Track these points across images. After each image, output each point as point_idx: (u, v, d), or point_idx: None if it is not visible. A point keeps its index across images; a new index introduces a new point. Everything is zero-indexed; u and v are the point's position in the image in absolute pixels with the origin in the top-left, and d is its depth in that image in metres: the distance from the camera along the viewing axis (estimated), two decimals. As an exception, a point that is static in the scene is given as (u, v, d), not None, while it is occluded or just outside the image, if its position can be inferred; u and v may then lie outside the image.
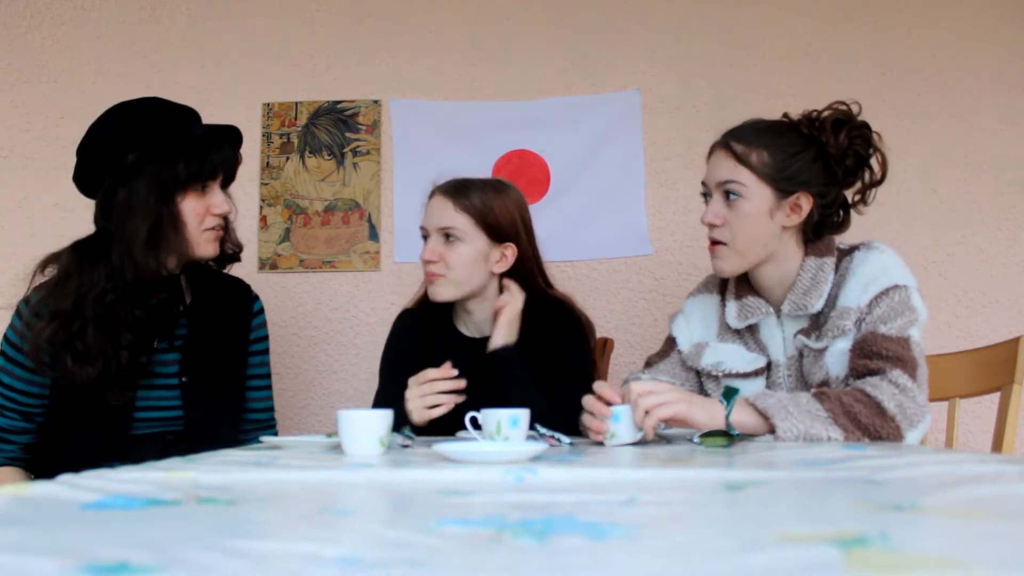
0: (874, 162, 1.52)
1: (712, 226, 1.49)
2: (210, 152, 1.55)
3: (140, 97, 1.60)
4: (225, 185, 1.62)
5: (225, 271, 1.74)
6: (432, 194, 1.73)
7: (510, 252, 1.70)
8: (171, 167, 1.51)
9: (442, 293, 1.67)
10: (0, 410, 1.55)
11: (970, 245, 2.31)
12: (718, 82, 2.39)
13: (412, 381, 1.55)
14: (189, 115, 1.60)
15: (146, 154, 1.50)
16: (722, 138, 1.52)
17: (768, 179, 1.45)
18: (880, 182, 1.52)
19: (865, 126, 1.49)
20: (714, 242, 1.50)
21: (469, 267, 1.67)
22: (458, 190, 1.69)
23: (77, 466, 1.49)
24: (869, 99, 2.37)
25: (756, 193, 1.46)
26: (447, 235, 1.66)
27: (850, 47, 2.37)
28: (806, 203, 1.47)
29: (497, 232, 1.68)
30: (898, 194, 2.31)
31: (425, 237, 1.71)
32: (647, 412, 1.26)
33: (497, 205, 1.68)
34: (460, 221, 1.66)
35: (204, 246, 1.58)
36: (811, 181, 1.47)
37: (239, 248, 1.70)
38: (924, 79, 2.35)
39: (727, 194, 1.47)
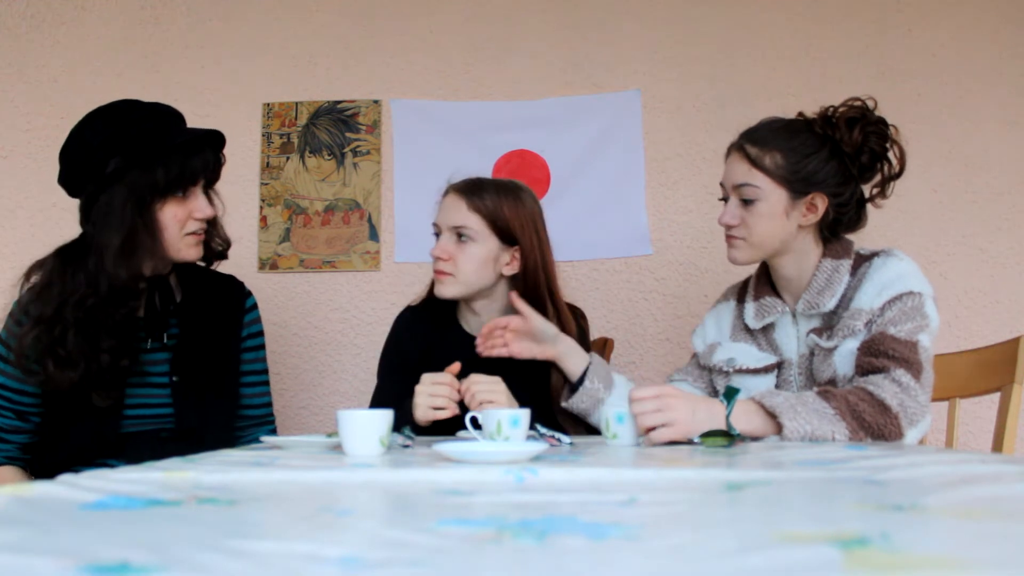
0: (892, 156, 1.52)
1: (729, 226, 1.52)
2: (190, 158, 1.53)
3: (116, 100, 1.60)
4: (209, 186, 1.62)
5: (215, 268, 1.74)
6: (446, 192, 1.72)
7: (520, 255, 1.71)
8: (151, 174, 1.50)
9: (448, 291, 1.68)
10: None
11: (970, 245, 2.31)
12: (718, 82, 2.39)
13: (425, 378, 1.54)
14: (169, 118, 1.58)
15: (126, 161, 1.50)
16: (738, 140, 1.53)
17: (782, 181, 1.47)
18: (898, 175, 1.53)
19: (881, 122, 1.50)
20: (730, 236, 1.54)
21: (478, 268, 1.67)
22: (472, 190, 1.68)
23: (72, 464, 1.50)
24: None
25: (771, 195, 1.48)
26: (459, 234, 1.66)
27: (850, 47, 2.37)
28: (821, 203, 1.49)
29: (508, 234, 1.68)
30: (898, 194, 2.30)
31: (437, 234, 1.71)
32: (646, 431, 1.27)
33: (509, 208, 1.68)
34: (472, 221, 1.65)
35: (186, 251, 1.58)
36: (826, 181, 1.48)
37: (227, 244, 1.70)
38: (924, 79, 2.35)
39: (742, 198, 1.50)
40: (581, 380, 1.59)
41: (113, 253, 1.48)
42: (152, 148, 1.51)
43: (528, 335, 1.60)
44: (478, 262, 1.66)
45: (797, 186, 1.47)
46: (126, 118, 1.54)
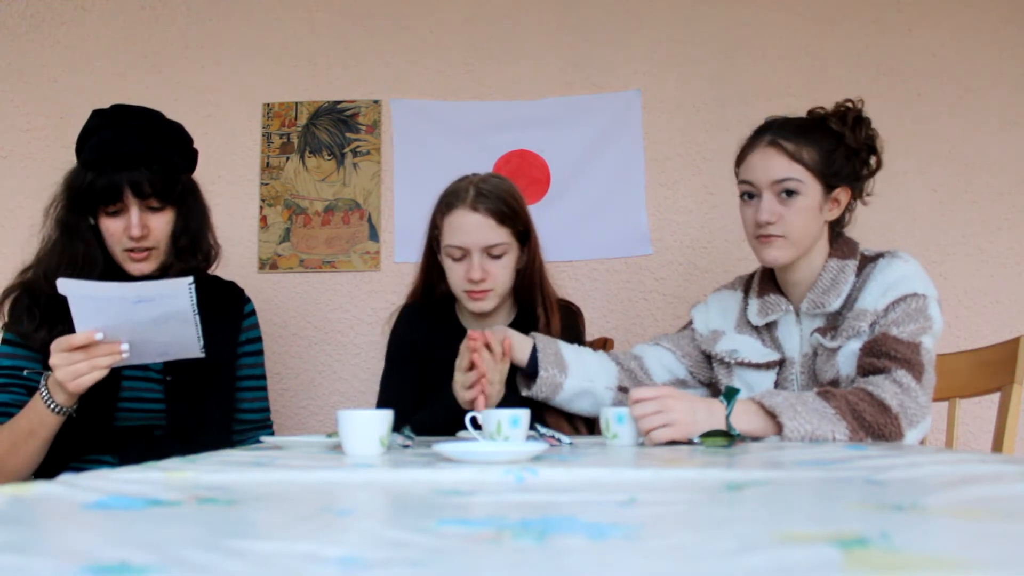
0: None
1: (768, 223, 1.49)
2: (118, 172, 1.51)
3: (114, 104, 1.62)
4: (167, 202, 1.57)
5: (213, 272, 1.74)
6: (454, 207, 1.64)
7: (528, 247, 1.72)
8: (81, 182, 1.53)
9: (490, 306, 1.67)
10: (2, 388, 1.55)
11: (970, 245, 2.31)
12: (718, 82, 2.39)
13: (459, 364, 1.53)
14: (115, 128, 1.55)
15: (75, 168, 1.56)
16: (769, 135, 1.51)
17: (819, 175, 1.48)
18: (875, 172, 1.56)
19: (870, 121, 1.53)
20: (768, 235, 1.50)
21: (510, 276, 1.69)
22: (493, 203, 1.63)
23: (66, 457, 1.50)
24: (869, 99, 2.36)
25: (810, 189, 1.48)
26: (492, 251, 1.64)
27: (850, 47, 2.37)
28: (844, 197, 1.51)
29: (525, 236, 1.70)
30: (898, 194, 2.31)
31: (460, 256, 1.65)
32: (647, 432, 1.27)
33: (522, 210, 1.69)
34: (504, 235, 1.65)
35: (127, 265, 1.58)
36: (849, 175, 1.51)
37: (208, 255, 1.66)
38: (924, 79, 2.35)
39: (784, 191, 1.48)
40: (535, 368, 1.58)
41: (47, 253, 1.57)
42: (86, 157, 1.54)
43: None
44: (510, 271, 1.69)
45: (831, 180, 1.49)
46: (88, 124, 1.59)
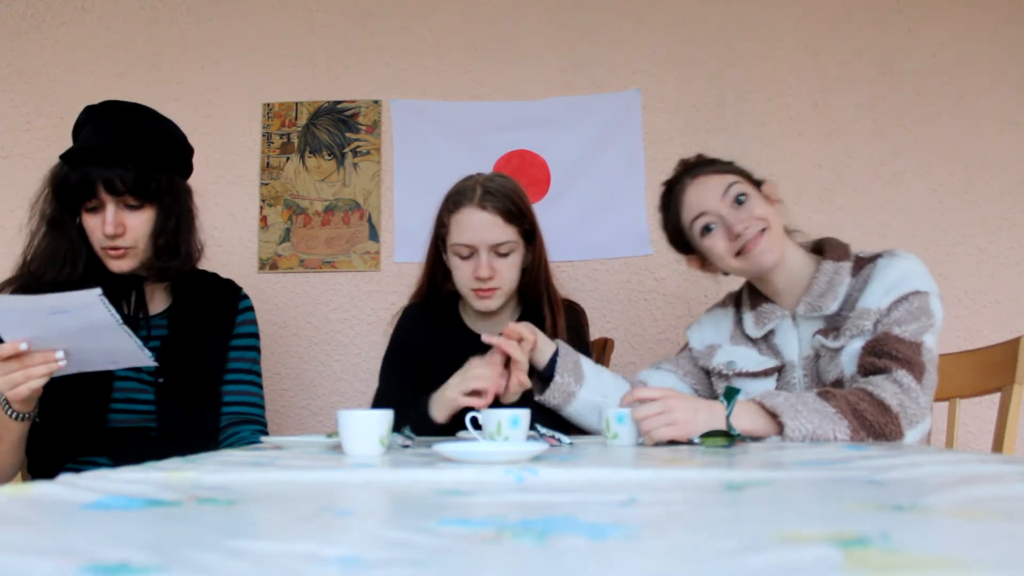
0: None
1: (745, 230, 1.49)
2: (90, 169, 1.49)
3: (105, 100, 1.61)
4: (144, 200, 1.54)
5: (207, 271, 1.73)
6: (462, 206, 1.65)
7: (533, 246, 1.73)
8: (62, 176, 1.52)
9: (496, 304, 1.67)
10: None
11: (970, 245, 2.31)
12: (718, 82, 2.39)
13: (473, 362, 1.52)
14: (98, 123, 1.54)
15: (57, 163, 1.55)
16: (686, 176, 1.58)
17: (745, 176, 1.55)
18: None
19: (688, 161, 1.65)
20: (750, 240, 1.50)
21: (516, 274, 1.69)
22: (500, 201, 1.63)
23: (61, 458, 1.50)
24: (869, 99, 2.37)
25: (750, 187, 1.54)
26: (499, 250, 1.64)
27: (850, 47, 2.38)
28: (770, 191, 1.57)
29: (531, 234, 1.70)
30: (898, 194, 2.31)
31: (468, 255, 1.65)
32: (647, 431, 1.27)
33: (527, 208, 1.69)
34: (510, 233, 1.65)
35: (107, 262, 1.56)
36: (751, 176, 1.58)
37: (189, 256, 1.63)
38: (924, 79, 2.36)
39: (735, 199, 1.51)
40: (551, 373, 1.59)
41: (34, 249, 1.57)
42: (67, 152, 1.53)
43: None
44: (517, 269, 1.69)
45: (753, 179, 1.57)
46: (78, 119, 1.58)
